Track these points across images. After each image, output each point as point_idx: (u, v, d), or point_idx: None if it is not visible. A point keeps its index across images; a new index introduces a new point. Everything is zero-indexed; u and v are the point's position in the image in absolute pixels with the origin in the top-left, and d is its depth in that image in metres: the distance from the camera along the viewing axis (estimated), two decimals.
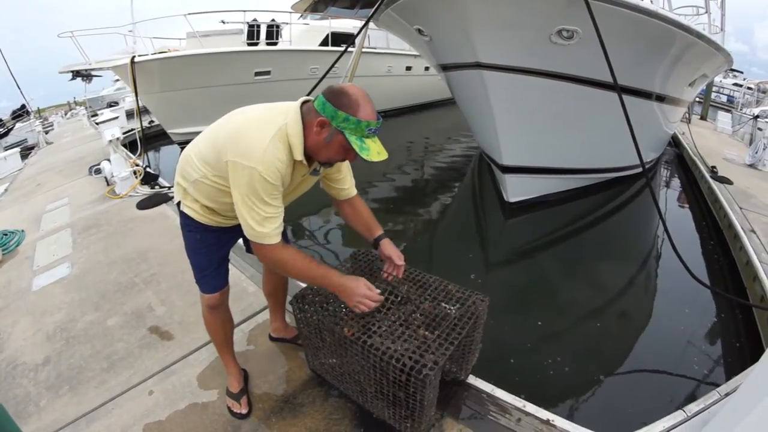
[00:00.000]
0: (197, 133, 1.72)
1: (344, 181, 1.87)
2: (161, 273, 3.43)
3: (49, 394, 2.31)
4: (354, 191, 1.92)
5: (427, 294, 1.84)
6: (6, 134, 14.31)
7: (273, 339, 2.47)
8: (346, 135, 1.42)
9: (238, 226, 1.85)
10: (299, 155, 1.49)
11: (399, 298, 1.81)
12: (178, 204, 1.76)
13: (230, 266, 3.16)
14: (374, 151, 1.43)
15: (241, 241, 2.20)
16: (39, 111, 20.10)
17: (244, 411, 2.00)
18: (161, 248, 3.85)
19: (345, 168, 1.85)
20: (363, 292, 1.63)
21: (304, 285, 2.11)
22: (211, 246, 1.73)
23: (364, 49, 4.68)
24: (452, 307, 1.75)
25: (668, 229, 3.47)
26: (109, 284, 3.37)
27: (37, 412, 2.20)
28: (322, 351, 1.93)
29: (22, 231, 4.80)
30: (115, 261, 3.74)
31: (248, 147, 1.42)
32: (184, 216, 1.75)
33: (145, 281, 3.34)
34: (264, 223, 1.49)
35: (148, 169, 5.92)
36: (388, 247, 1.87)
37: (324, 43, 11.15)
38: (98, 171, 6.50)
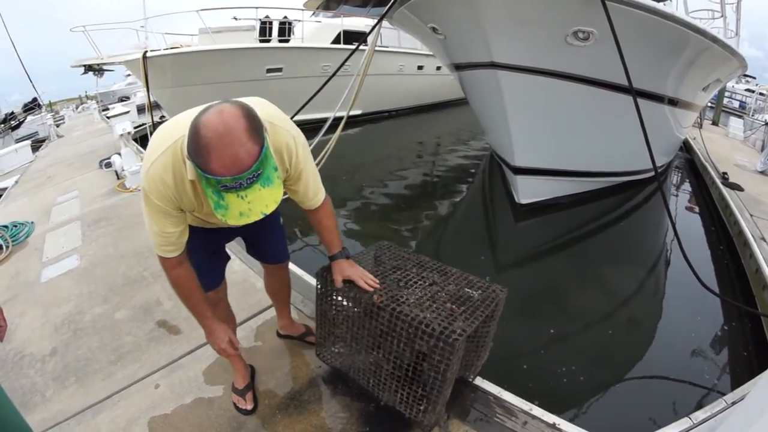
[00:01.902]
0: None
1: (303, 196, 1.63)
2: None
3: (55, 385, 2.33)
4: (317, 202, 1.69)
5: (450, 280, 1.86)
6: (17, 127, 14.47)
7: (281, 336, 2.47)
8: (202, 183, 1.16)
9: (228, 228, 1.81)
10: (191, 174, 1.24)
11: (424, 279, 1.85)
12: None
13: (238, 262, 3.20)
14: (234, 211, 1.14)
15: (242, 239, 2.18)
16: (50, 104, 20.28)
17: (249, 407, 1.99)
18: None
19: (305, 179, 1.57)
20: (223, 346, 1.69)
21: (316, 271, 1.98)
22: (197, 245, 1.65)
23: (375, 48, 4.67)
24: (475, 292, 1.78)
25: (678, 235, 3.43)
26: (118, 277, 3.39)
27: (43, 402, 2.22)
28: (339, 328, 1.92)
29: (32, 223, 4.84)
30: (124, 254, 3.76)
31: (144, 160, 1.34)
32: None
33: (153, 275, 3.35)
34: (154, 237, 1.46)
35: None
36: (344, 268, 1.76)
37: (336, 41, 11.17)
38: (109, 165, 6.55)
